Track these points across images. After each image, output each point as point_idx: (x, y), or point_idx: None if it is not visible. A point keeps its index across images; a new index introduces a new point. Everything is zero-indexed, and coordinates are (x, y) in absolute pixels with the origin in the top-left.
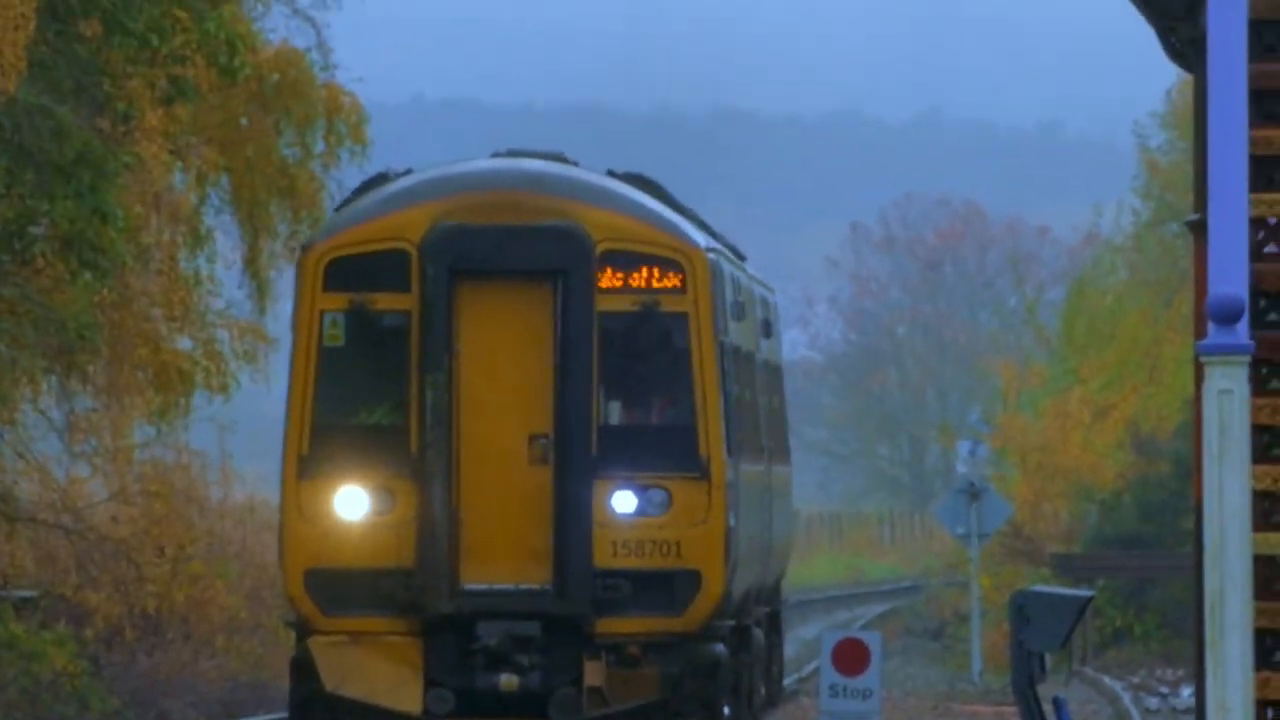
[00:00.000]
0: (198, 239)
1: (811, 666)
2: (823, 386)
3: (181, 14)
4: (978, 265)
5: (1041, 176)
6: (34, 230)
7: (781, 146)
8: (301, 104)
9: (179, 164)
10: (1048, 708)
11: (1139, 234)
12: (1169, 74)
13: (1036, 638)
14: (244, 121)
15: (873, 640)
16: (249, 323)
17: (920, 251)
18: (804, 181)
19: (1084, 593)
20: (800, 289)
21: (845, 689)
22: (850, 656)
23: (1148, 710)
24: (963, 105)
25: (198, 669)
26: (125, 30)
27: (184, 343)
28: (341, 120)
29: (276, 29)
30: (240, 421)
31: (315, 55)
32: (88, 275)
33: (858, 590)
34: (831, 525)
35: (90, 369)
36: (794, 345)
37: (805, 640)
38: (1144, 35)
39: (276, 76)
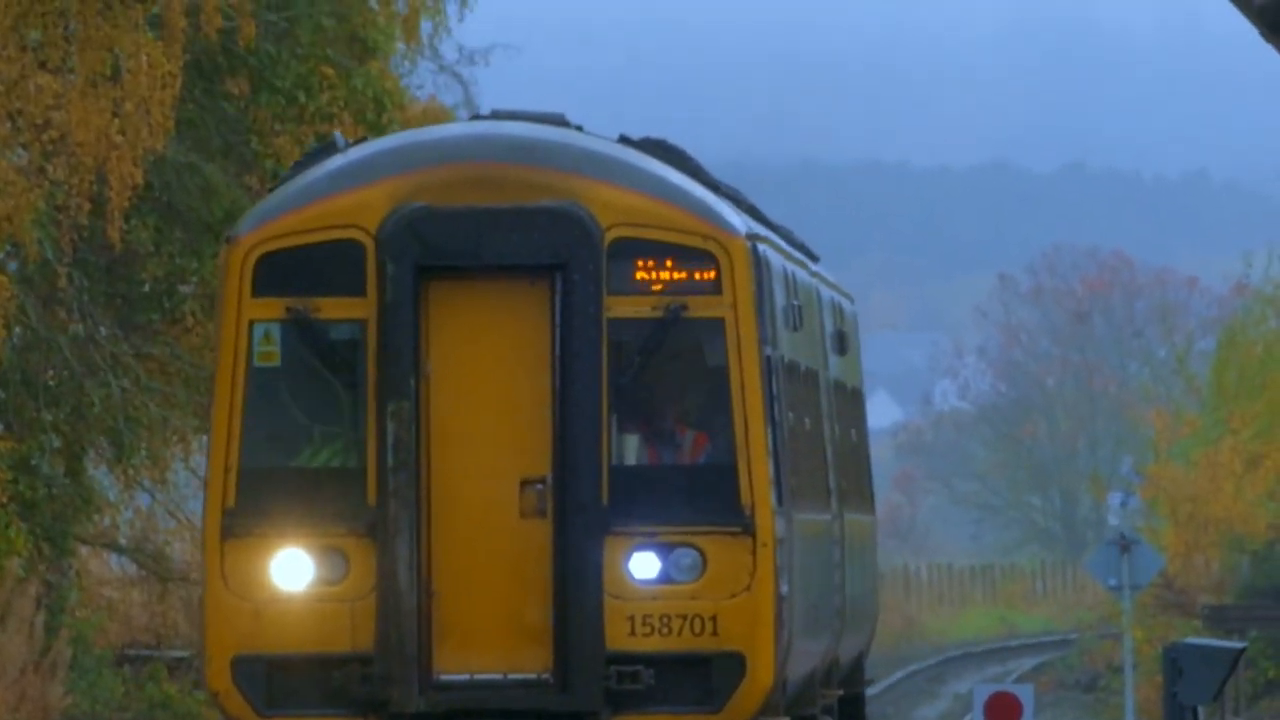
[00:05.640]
0: None
1: None
2: (973, 438)
3: (328, 71)
4: (1126, 315)
5: (1189, 225)
6: (183, 289)
7: (931, 198)
8: None
9: None
10: None
11: None
12: None
13: (1190, 690)
14: None
15: (1025, 694)
16: None
17: (1069, 302)
18: (953, 231)
19: (1236, 644)
20: (950, 339)
21: None
22: (1003, 710)
23: None
24: (1108, 155)
25: None
26: (273, 88)
27: None
28: None
29: (424, 85)
30: None
31: (463, 112)
32: None
33: (1010, 643)
34: (984, 578)
35: None
36: (944, 396)
37: (958, 694)
38: None
39: None
